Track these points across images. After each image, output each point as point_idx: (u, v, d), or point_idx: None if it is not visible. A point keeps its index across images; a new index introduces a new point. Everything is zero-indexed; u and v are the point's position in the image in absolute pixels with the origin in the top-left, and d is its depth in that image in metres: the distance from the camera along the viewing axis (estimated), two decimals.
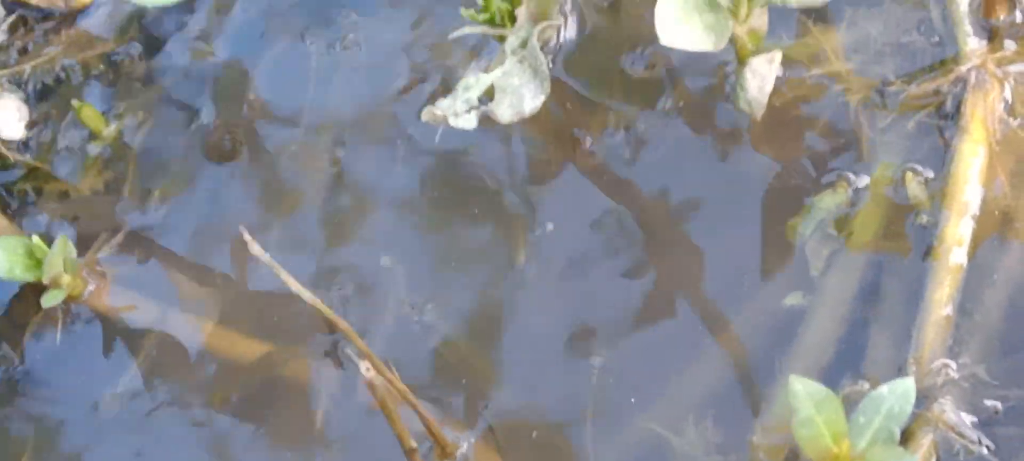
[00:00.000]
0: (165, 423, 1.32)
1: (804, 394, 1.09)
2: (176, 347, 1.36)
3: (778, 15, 1.39)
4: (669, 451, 1.22)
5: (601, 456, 1.23)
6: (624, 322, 1.29)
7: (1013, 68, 1.34)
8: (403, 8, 1.53)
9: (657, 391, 1.25)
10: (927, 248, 1.27)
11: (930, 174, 1.31)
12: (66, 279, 1.37)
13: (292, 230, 1.40)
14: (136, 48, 1.56)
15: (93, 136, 1.50)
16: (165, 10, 1.57)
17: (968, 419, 1.18)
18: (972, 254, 1.26)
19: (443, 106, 1.33)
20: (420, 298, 1.34)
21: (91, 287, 1.40)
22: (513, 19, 1.38)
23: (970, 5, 1.38)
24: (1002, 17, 1.37)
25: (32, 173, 1.49)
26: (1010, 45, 1.36)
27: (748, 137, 1.37)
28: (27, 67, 1.55)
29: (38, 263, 1.36)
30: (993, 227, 1.28)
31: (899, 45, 1.39)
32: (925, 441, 1.16)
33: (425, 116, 1.33)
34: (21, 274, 1.37)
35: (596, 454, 1.23)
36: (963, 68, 1.34)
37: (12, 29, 1.59)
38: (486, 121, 1.34)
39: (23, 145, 1.51)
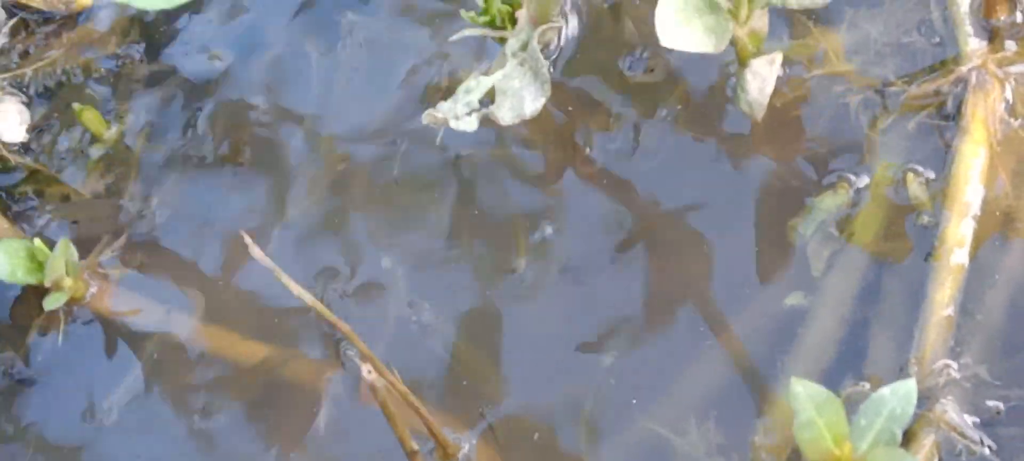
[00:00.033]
0: (166, 425, 1.32)
1: (805, 396, 1.09)
2: (178, 349, 1.36)
3: (779, 16, 1.39)
4: (671, 452, 1.22)
5: (603, 457, 1.23)
6: (625, 323, 1.29)
7: (1014, 68, 1.34)
8: (404, 10, 1.53)
9: (659, 392, 1.25)
10: (928, 249, 1.27)
11: (931, 175, 1.31)
12: (68, 282, 1.37)
13: (293, 232, 1.40)
14: (137, 50, 1.56)
15: (94, 139, 1.50)
16: (165, 12, 1.57)
17: (970, 419, 1.18)
18: (973, 254, 1.26)
19: (444, 109, 1.33)
20: (421, 299, 1.34)
21: (93, 290, 1.40)
22: (513, 21, 1.38)
23: (971, 6, 1.38)
24: (1002, 17, 1.37)
25: (34, 176, 1.49)
26: (1011, 45, 1.36)
27: (749, 138, 1.37)
28: (28, 70, 1.55)
29: (40, 266, 1.37)
30: (994, 227, 1.28)
31: (900, 46, 1.39)
32: (927, 442, 1.16)
33: (426, 119, 1.33)
34: (23, 277, 1.37)
35: (598, 455, 1.23)
36: (964, 69, 1.34)
37: (13, 32, 1.59)
38: (487, 123, 1.34)
39: (25, 148, 1.51)
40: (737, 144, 1.37)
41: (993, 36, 1.37)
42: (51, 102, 1.54)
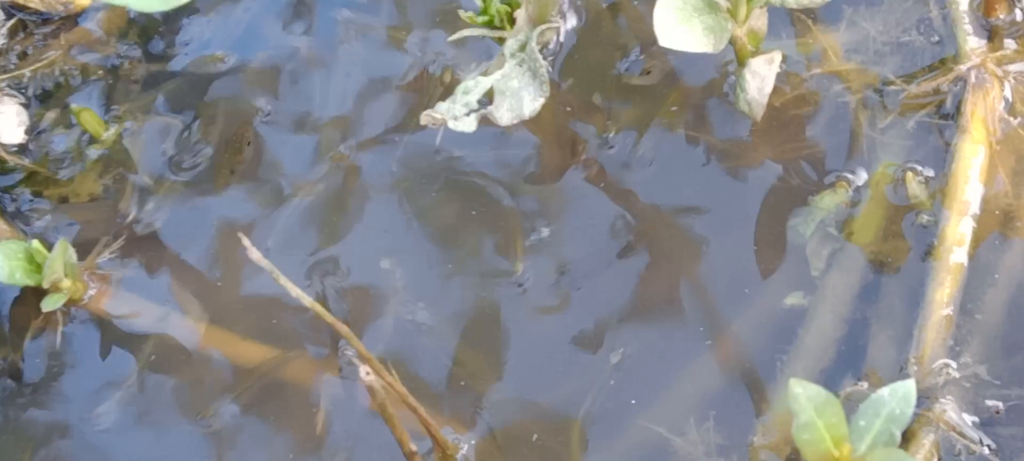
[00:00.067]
0: (165, 426, 1.32)
1: (804, 398, 1.08)
2: (176, 350, 1.36)
3: (778, 15, 1.39)
4: (670, 452, 1.22)
5: (602, 457, 1.23)
6: (624, 323, 1.29)
7: (1013, 67, 1.34)
8: (404, 9, 1.53)
9: (658, 392, 1.25)
10: (928, 248, 1.27)
11: (930, 173, 1.31)
12: (66, 283, 1.37)
13: (291, 233, 1.40)
14: (135, 51, 1.56)
15: (93, 140, 1.50)
16: (164, 13, 1.57)
17: (969, 419, 1.18)
18: (973, 253, 1.26)
19: (442, 109, 1.33)
20: (419, 300, 1.34)
21: (91, 291, 1.40)
22: (512, 22, 1.38)
23: (970, 4, 1.38)
24: (1002, 16, 1.37)
25: (32, 177, 1.49)
26: (1010, 44, 1.36)
27: (748, 138, 1.37)
28: (27, 71, 1.55)
29: (38, 267, 1.36)
30: (994, 226, 1.28)
31: (899, 44, 1.38)
32: (926, 441, 1.16)
33: (424, 119, 1.33)
34: (22, 278, 1.37)
35: (597, 455, 1.23)
36: (963, 67, 1.34)
37: (11, 33, 1.58)
38: (486, 124, 1.33)
39: (23, 149, 1.51)
40: (736, 144, 1.37)
41: (992, 35, 1.36)
42: (50, 103, 1.54)
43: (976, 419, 1.18)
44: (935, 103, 1.34)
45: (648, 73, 1.42)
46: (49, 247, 1.36)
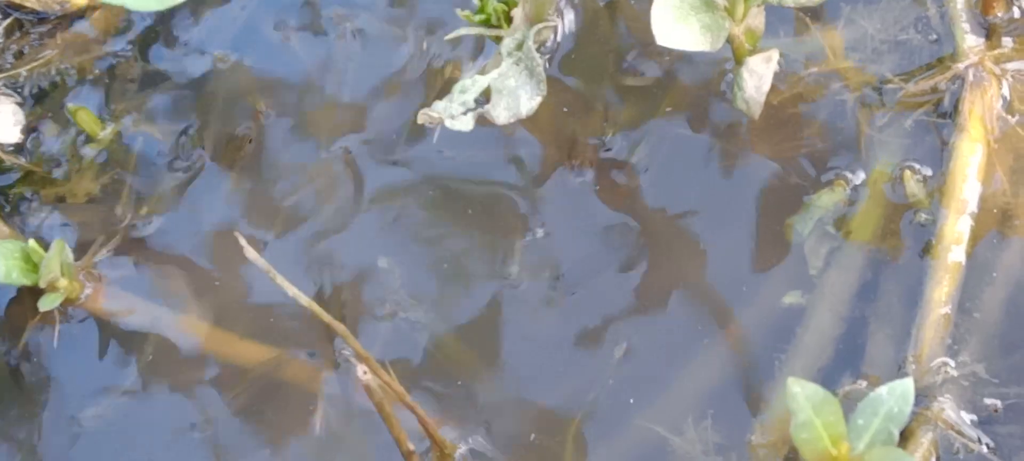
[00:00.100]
0: (162, 425, 1.32)
1: (802, 397, 1.08)
2: (173, 350, 1.36)
3: (775, 14, 1.39)
4: (668, 451, 1.22)
5: (600, 456, 1.23)
6: (622, 322, 1.29)
7: (1011, 65, 1.34)
8: (402, 8, 1.53)
9: (656, 391, 1.25)
10: (926, 246, 1.27)
11: (928, 172, 1.31)
12: (63, 282, 1.36)
13: (288, 233, 1.40)
14: (131, 50, 1.56)
15: (89, 139, 1.50)
16: (160, 12, 1.57)
17: (967, 417, 1.18)
18: (971, 252, 1.26)
19: (439, 108, 1.33)
20: (417, 299, 1.33)
21: (88, 290, 1.39)
22: (509, 20, 1.38)
23: (967, 2, 1.37)
24: (1000, 14, 1.37)
25: (28, 177, 1.49)
26: (1008, 42, 1.36)
27: (746, 136, 1.37)
28: (23, 70, 1.55)
29: (35, 267, 1.36)
30: (992, 225, 1.27)
31: (897, 43, 1.38)
32: (925, 440, 1.16)
33: (421, 118, 1.33)
34: (18, 278, 1.36)
35: (595, 454, 1.23)
36: (961, 65, 1.34)
37: (7, 32, 1.58)
38: (483, 122, 1.33)
39: (19, 149, 1.51)
40: (734, 142, 1.37)
41: (990, 33, 1.36)
42: (46, 102, 1.54)
43: (974, 417, 1.18)
44: (933, 101, 1.34)
45: (648, 69, 1.42)
46: (46, 247, 1.36)
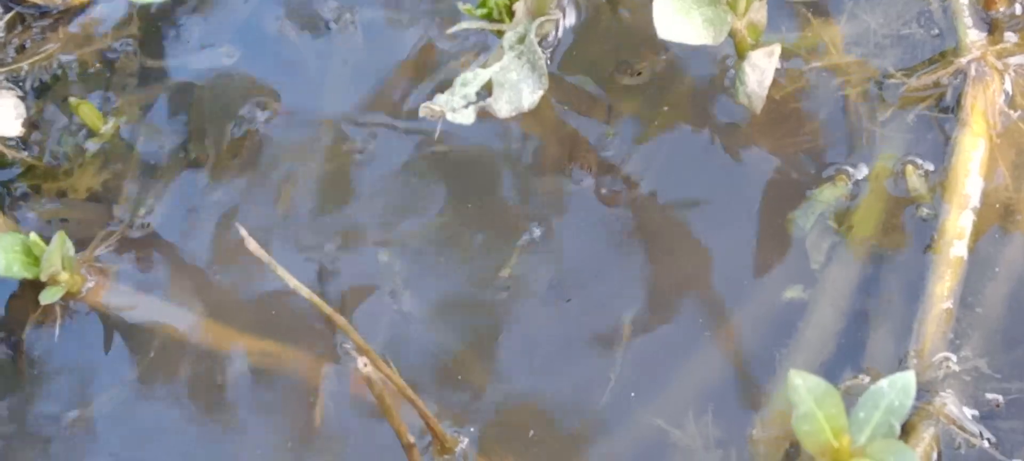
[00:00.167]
0: (163, 418, 1.32)
1: (804, 389, 1.08)
2: (174, 343, 1.36)
3: (777, 8, 1.39)
4: (669, 445, 1.22)
5: (601, 450, 1.23)
6: (623, 316, 1.29)
7: (1013, 60, 1.34)
8: (402, 4, 1.53)
9: (657, 385, 1.25)
10: (928, 241, 1.26)
11: (930, 167, 1.31)
12: (64, 276, 1.36)
13: (289, 226, 1.40)
14: (133, 44, 1.56)
15: (91, 133, 1.50)
16: (162, 6, 1.57)
17: (969, 412, 1.18)
18: (973, 247, 1.26)
19: (441, 101, 1.33)
20: (418, 293, 1.33)
21: (89, 284, 1.39)
22: (511, 14, 1.38)
23: None
24: (1002, 9, 1.37)
25: (30, 170, 1.49)
26: (1010, 37, 1.36)
27: (747, 131, 1.37)
28: (25, 64, 1.55)
29: (36, 260, 1.36)
30: (994, 220, 1.27)
31: (899, 37, 1.38)
32: (926, 434, 1.16)
33: (423, 111, 1.33)
34: (19, 271, 1.36)
35: (596, 448, 1.23)
36: (963, 60, 1.34)
37: (10, 26, 1.58)
38: (484, 116, 1.33)
39: (21, 142, 1.51)
40: (735, 137, 1.37)
41: (993, 28, 1.36)
42: (48, 96, 1.54)
43: (976, 412, 1.18)
44: (935, 96, 1.34)
45: (650, 63, 1.42)
46: (47, 240, 1.36)
